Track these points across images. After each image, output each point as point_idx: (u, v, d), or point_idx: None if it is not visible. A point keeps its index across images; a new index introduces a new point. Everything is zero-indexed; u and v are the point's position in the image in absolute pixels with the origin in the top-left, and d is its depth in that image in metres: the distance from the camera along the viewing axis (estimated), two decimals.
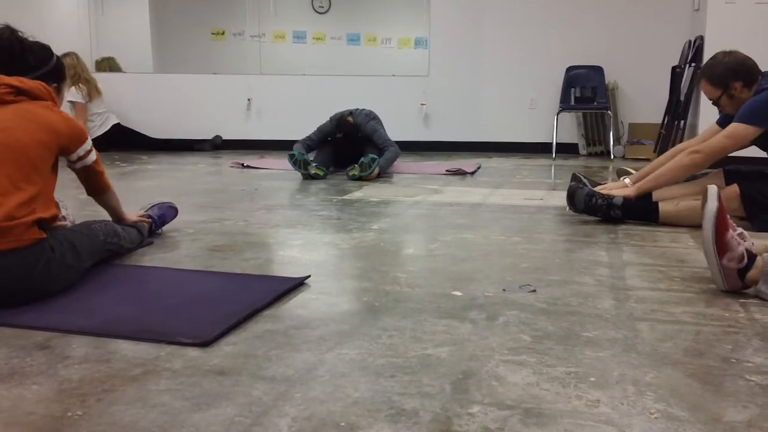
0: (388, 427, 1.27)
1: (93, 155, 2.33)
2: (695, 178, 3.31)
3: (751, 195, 3.01)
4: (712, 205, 2.06)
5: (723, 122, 3.26)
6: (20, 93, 2.12)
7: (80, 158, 2.28)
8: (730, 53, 3.16)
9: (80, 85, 6.38)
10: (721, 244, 2.05)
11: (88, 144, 2.30)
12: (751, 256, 2.05)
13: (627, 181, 3.38)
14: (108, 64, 7.13)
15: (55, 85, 2.29)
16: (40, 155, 2.08)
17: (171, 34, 8.06)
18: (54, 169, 2.19)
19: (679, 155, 3.15)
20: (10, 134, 2.03)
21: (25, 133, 2.06)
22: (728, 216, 2.22)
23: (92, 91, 6.45)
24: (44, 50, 2.29)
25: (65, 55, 6.37)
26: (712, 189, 2.09)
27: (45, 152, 2.10)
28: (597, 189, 3.29)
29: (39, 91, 2.16)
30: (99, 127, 6.49)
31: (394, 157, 4.97)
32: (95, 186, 2.45)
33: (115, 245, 2.44)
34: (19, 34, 2.22)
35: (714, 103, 3.24)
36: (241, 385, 1.45)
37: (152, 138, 6.74)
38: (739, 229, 2.14)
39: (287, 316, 1.89)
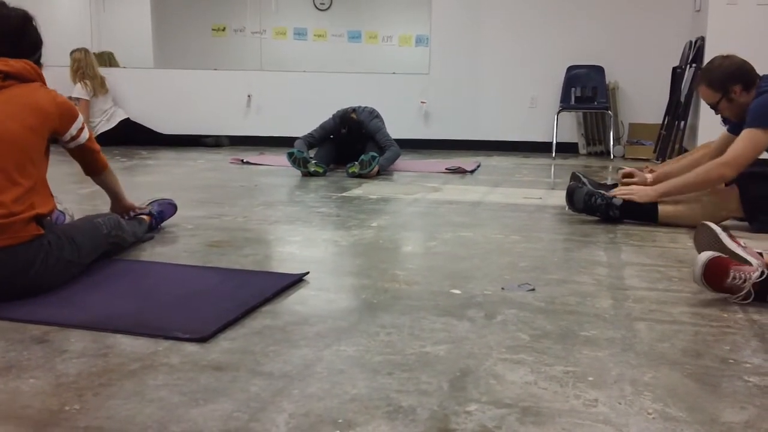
0: (386, 424, 1.27)
1: (86, 133, 2.29)
2: None
3: (750, 196, 3.01)
4: (697, 271, 2.01)
5: (734, 129, 3.22)
6: (7, 77, 2.07)
7: (73, 138, 2.24)
8: (728, 57, 3.14)
9: (85, 81, 6.41)
10: (723, 291, 2.02)
11: (80, 122, 2.26)
12: (762, 287, 1.97)
13: (648, 176, 3.34)
14: (107, 58, 7.12)
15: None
16: (32, 143, 2.05)
17: (172, 30, 8.05)
18: (46, 153, 2.16)
19: (707, 166, 3.06)
20: (1, 126, 1.99)
21: (15, 121, 2.02)
22: (733, 244, 2.19)
23: (97, 88, 6.48)
24: (37, 31, 2.23)
25: (76, 50, 6.42)
26: (700, 258, 2.01)
27: (37, 139, 2.07)
28: (618, 189, 3.25)
29: (27, 72, 2.11)
30: (105, 122, 6.51)
31: (395, 157, 4.97)
32: (92, 165, 2.43)
33: (119, 238, 2.44)
34: (34, 21, 2.20)
35: (713, 107, 3.21)
36: (238, 381, 1.45)
37: (160, 133, 6.74)
38: (751, 258, 2.07)
39: (285, 313, 1.89)
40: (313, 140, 5.01)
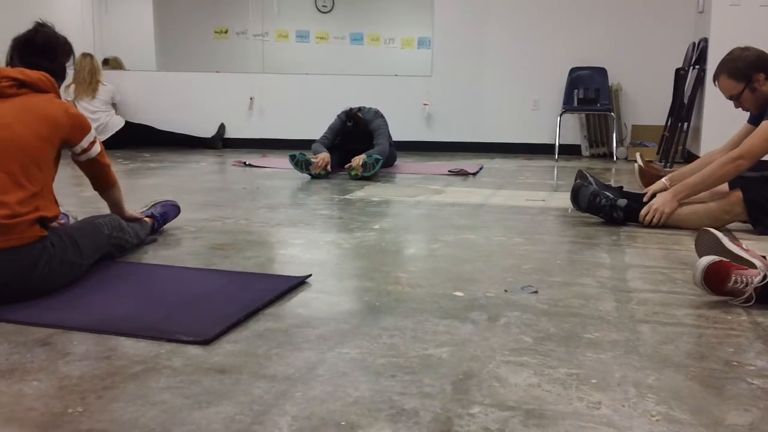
0: (389, 426, 1.27)
1: (97, 147, 2.32)
2: None
3: (754, 200, 3.00)
4: (698, 275, 2.01)
5: (754, 121, 3.19)
6: (22, 85, 2.11)
7: (84, 150, 2.27)
8: (747, 48, 3.14)
9: (72, 85, 6.43)
10: (724, 294, 2.03)
11: (92, 135, 2.29)
12: (764, 291, 1.98)
13: (665, 181, 3.30)
14: (118, 63, 7.19)
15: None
16: (41, 150, 2.07)
17: (174, 32, 8.06)
18: (56, 161, 2.19)
19: (720, 161, 3.04)
20: (10, 130, 2.02)
21: (25, 128, 2.05)
22: (735, 247, 2.19)
23: (82, 92, 6.44)
24: (67, 46, 2.35)
25: (81, 55, 6.47)
26: (701, 262, 2.02)
27: (46, 147, 2.10)
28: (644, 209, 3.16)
29: (41, 82, 2.15)
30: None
31: (383, 153, 4.89)
32: (101, 180, 2.45)
33: (120, 239, 2.44)
34: (57, 32, 2.31)
35: (733, 98, 3.18)
36: (241, 384, 1.45)
37: (161, 130, 6.74)
38: (755, 261, 2.08)
39: (288, 315, 1.89)
40: (327, 142, 5.03)
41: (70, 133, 2.20)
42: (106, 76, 6.74)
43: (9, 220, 1.92)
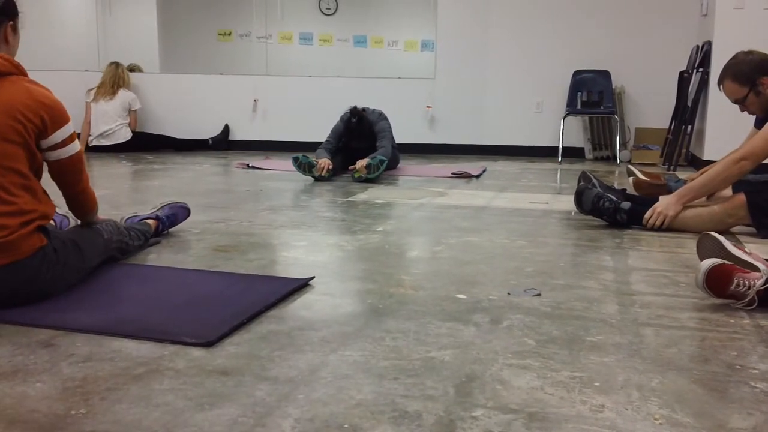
0: (391, 429, 1.27)
1: (74, 146, 2.00)
2: None
3: (757, 203, 3.00)
4: (699, 277, 2.01)
5: (759, 125, 3.20)
6: None
7: (55, 146, 1.95)
8: (751, 52, 3.15)
9: (95, 88, 6.55)
10: (727, 297, 2.02)
11: (67, 131, 1.97)
12: (767, 294, 1.97)
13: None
14: (140, 70, 7.26)
15: (10, 23, 2.00)
16: (15, 158, 1.89)
17: (178, 35, 8.08)
18: (37, 153, 1.95)
19: (724, 163, 3.04)
20: None
21: None
22: (738, 251, 2.18)
23: (101, 95, 6.59)
24: None
25: (109, 63, 6.70)
26: (703, 265, 2.02)
27: (19, 151, 1.90)
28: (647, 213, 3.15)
29: (3, 66, 1.90)
30: (101, 137, 6.51)
31: (387, 156, 4.90)
32: (74, 196, 2.10)
33: (121, 243, 2.41)
34: None
35: (738, 102, 3.18)
36: (244, 386, 1.45)
37: (171, 137, 6.77)
38: (758, 264, 2.07)
39: (291, 317, 1.89)
40: (331, 146, 5.02)
41: (40, 121, 1.90)
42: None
43: (5, 239, 1.86)
